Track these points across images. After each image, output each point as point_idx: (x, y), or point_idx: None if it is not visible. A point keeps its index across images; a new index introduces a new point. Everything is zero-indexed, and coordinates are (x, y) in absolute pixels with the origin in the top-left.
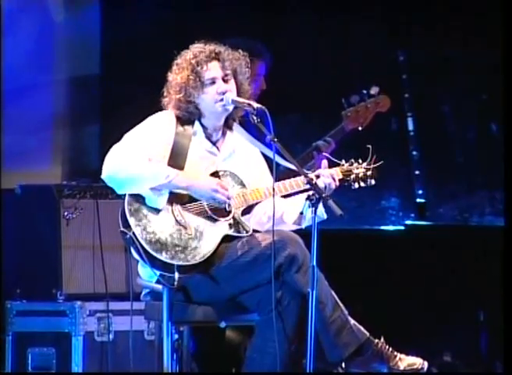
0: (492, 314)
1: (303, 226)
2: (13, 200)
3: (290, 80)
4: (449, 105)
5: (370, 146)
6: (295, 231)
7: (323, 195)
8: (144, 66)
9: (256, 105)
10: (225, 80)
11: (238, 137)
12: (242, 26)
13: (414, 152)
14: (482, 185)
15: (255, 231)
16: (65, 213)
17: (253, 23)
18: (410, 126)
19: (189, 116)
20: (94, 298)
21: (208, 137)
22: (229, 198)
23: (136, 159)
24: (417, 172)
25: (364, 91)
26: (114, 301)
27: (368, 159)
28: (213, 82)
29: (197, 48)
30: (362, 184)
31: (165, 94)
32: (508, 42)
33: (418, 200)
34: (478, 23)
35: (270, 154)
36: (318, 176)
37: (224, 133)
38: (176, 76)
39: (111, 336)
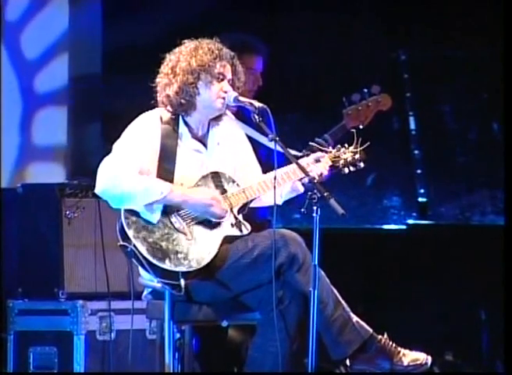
0: (493, 313)
1: (280, 203)
2: (15, 199)
3: (291, 79)
4: (451, 105)
5: (354, 130)
6: (297, 230)
7: (325, 194)
8: (146, 66)
9: (258, 104)
10: (229, 83)
11: (224, 127)
12: (243, 26)
13: (416, 151)
14: (484, 184)
15: (256, 231)
16: (67, 212)
17: (254, 23)
18: (412, 126)
19: (183, 104)
20: (95, 297)
21: (194, 136)
22: (225, 212)
23: (129, 175)
24: (418, 171)
25: (366, 90)
26: (116, 300)
27: (354, 143)
28: (222, 79)
29: (216, 43)
30: (352, 169)
31: (167, 74)
32: (509, 41)
33: (420, 199)
34: (479, 22)
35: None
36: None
37: (209, 128)
38: (190, 59)
39: (112, 335)
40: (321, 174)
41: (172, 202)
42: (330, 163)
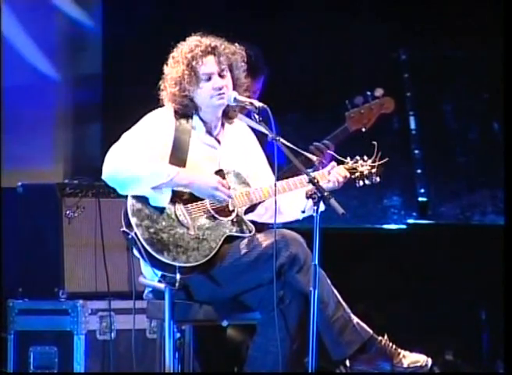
0: (493, 313)
1: (300, 218)
2: (15, 198)
3: (291, 79)
4: (451, 104)
5: (375, 143)
6: (297, 230)
7: (325, 194)
8: (146, 66)
9: (258, 103)
10: (221, 76)
11: (238, 129)
12: (243, 26)
13: (416, 151)
14: (484, 184)
15: (257, 231)
16: (67, 212)
17: (254, 23)
18: (412, 125)
19: (185, 109)
20: (96, 297)
21: (208, 131)
22: (229, 197)
23: (135, 159)
24: (419, 171)
25: (369, 93)
26: (116, 299)
27: (373, 156)
28: (209, 78)
29: (193, 41)
30: (367, 182)
31: (161, 87)
32: (509, 41)
33: (420, 199)
34: (479, 22)
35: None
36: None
37: (223, 125)
38: (171, 70)
39: (113, 335)
40: (339, 183)
41: (178, 185)
42: (348, 174)
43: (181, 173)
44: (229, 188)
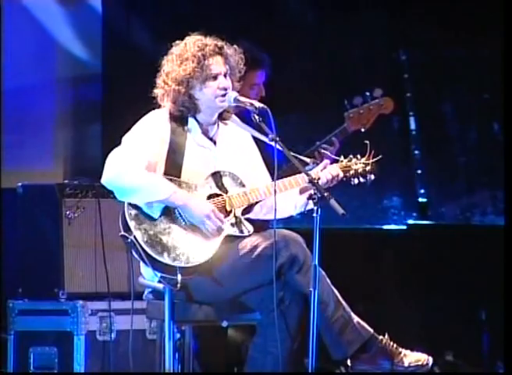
0: (493, 313)
1: (294, 214)
2: (15, 199)
3: (291, 79)
4: (451, 105)
5: (368, 141)
6: (297, 230)
7: (325, 194)
8: (146, 66)
9: (258, 104)
10: (225, 76)
11: (233, 129)
12: (243, 26)
13: (416, 151)
14: (484, 184)
15: (257, 230)
16: (67, 212)
17: (254, 24)
18: (412, 126)
19: (183, 111)
20: (96, 298)
21: (204, 133)
22: (219, 228)
23: (135, 169)
24: (419, 171)
25: (368, 93)
26: (116, 300)
27: (367, 154)
28: (215, 77)
29: (198, 40)
30: (362, 180)
31: (161, 85)
32: (509, 41)
33: (420, 199)
34: (479, 22)
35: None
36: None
37: (219, 126)
38: (177, 68)
39: (113, 335)
40: (332, 181)
41: (173, 204)
42: (341, 173)
43: (177, 194)
44: (233, 216)
